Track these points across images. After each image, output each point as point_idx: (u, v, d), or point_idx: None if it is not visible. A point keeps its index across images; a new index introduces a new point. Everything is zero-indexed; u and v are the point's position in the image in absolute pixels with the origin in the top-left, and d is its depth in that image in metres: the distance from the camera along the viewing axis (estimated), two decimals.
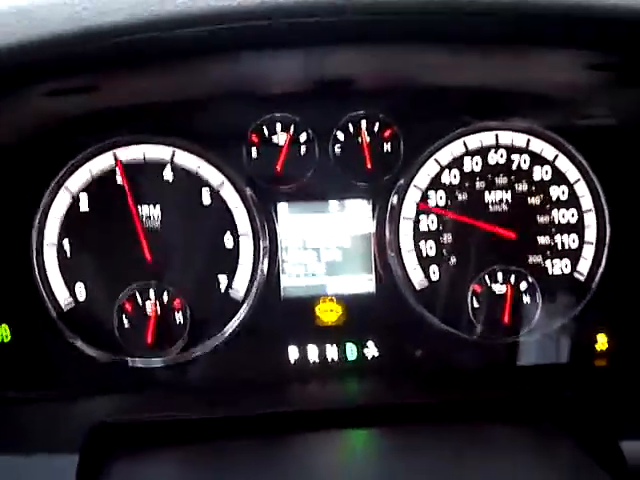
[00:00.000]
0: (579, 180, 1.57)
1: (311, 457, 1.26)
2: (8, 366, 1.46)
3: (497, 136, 1.56)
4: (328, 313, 1.55)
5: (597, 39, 1.17)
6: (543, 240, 1.57)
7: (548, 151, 1.57)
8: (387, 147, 1.54)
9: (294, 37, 1.11)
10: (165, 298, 1.49)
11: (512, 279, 1.55)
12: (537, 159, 1.57)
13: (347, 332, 1.55)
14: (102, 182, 1.49)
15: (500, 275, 1.55)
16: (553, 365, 1.56)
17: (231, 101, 1.48)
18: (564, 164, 1.57)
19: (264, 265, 1.53)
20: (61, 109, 1.37)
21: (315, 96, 1.49)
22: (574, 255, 1.58)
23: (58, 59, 1.08)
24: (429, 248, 1.56)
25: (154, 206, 1.50)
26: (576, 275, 1.58)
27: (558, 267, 1.57)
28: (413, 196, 1.56)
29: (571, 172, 1.57)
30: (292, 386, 1.49)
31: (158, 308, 1.49)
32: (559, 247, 1.57)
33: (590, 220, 1.58)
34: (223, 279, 1.52)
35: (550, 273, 1.57)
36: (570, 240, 1.58)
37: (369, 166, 1.53)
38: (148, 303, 1.49)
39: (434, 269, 1.56)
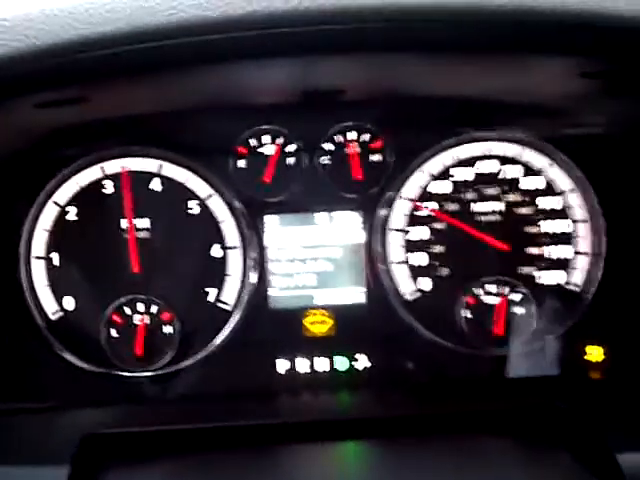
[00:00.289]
0: (572, 190, 1.55)
1: (300, 469, 1.26)
2: None
3: (488, 146, 1.55)
4: (318, 325, 1.54)
5: (591, 46, 1.14)
6: (536, 251, 1.55)
7: (540, 161, 1.55)
8: (376, 158, 1.53)
9: (281, 48, 1.10)
10: (154, 310, 1.49)
11: (504, 290, 1.53)
12: (529, 169, 1.55)
13: (337, 343, 1.54)
14: (90, 194, 1.49)
15: (492, 286, 1.53)
16: (547, 377, 1.54)
17: (218, 113, 1.48)
18: (557, 174, 1.55)
19: (253, 277, 1.53)
20: (49, 121, 1.37)
21: (303, 107, 1.49)
22: (568, 266, 1.56)
23: (48, 71, 1.07)
24: (420, 259, 1.55)
25: (142, 218, 1.50)
26: (570, 286, 1.56)
27: (552, 278, 1.55)
28: (402, 207, 1.54)
29: (564, 182, 1.55)
30: (281, 397, 1.48)
31: (147, 320, 1.49)
32: (552, 258, 1.55)
33: (584, 230, 1.55)
34: (212, 291, 1.52)
35: (543, 284, 1.55)
36: (564, 251, 1.55)
37: (358, 177, 1.52)
38: (137, 315, 1.49)
39: (425, 280, 1.55)
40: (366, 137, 1.52)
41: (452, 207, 1.54)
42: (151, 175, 1.51)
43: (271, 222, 1.53)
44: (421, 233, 1.54)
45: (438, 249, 1.54)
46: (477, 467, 1.20)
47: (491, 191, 1.54)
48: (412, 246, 1.55)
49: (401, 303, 1.54)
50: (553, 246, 1.55)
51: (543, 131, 1.54)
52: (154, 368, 1.50)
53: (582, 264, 1.56)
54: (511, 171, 1.55)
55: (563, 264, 1.56)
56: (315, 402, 1.49)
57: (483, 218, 1.54)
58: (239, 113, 1.50)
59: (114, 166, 1.50)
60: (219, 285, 1.52)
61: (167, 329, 1.50)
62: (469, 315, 1.53)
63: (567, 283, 1.56)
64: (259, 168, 1.51)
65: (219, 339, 1.52)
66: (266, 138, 1.51)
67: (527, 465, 1.22)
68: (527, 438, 1.28)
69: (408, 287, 1.55)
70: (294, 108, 1.49)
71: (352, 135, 1.52)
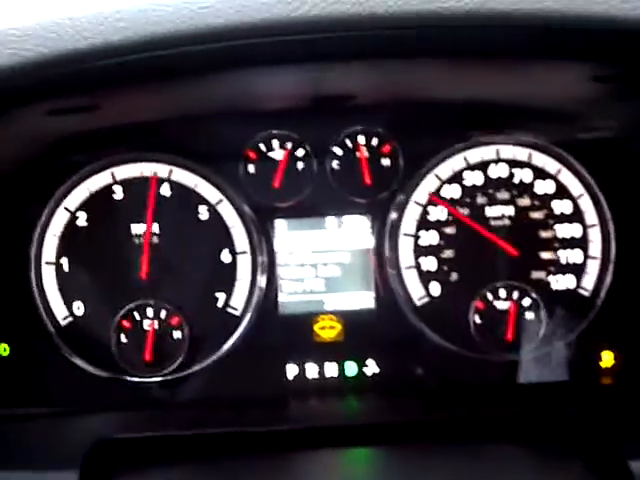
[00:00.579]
0: (583, 194, 1.54)
1: (310, 475, 1.27)
2: (6, 382, 1.47)
3: (498, 150, 1.54)
4: (327, 330, 1.54)
5: (602, 50, 1.14)
6: (546, 255, 1.54)
7: (551, 165, 1.54)
8: (386, 162, 1.52)
9: (294, 55, 1.10)
10: (163, 315, 1.49)
11: (515, 295, 1.52)
12: (540, 173, 1.54)
13: (347, 349, 1.54)
14: (100, 200, 1.50)
15: (503, 291, 1.52)
16: (557, 382, 1.53)
17: (228, 118, 1.48)
18: (567, 178, 1.54)
19: (262, 282, 1.52)
20: (60, 128, 1.38)
21: (313, 112, 1.48)
22: (578, 271, 1.55)
23: (59, 79, 1.08)
24: (430, 264, 1.54)
25: (152, 223, 1.50)
26: (581, 291, 1.55)
27: (562, 283, 1.54)
28: (413, 212, 1.54)
29: (575, 186, 1.54)
30: (291, 403, 1.48)
31: (156, 325, 1.49)
32: (563, 262, 1.54)
33: (594, 235, 1.54)
34: (221, 296, 1.52)
35: (554, 289, 1.54)
36: (574, 255, 1.54)
37: (368, 182, 1.52)
38: (146, 320, 1.49)
39: (435, 285, 1.54)
40: (376, 141, 1.52)
41: (463, 211, 1.53)
42: (161, 181, 1.51)
43: (281, 227, 1.53)
44: (431, 238, 1.54)
45: (448, 254, 1.54)
46: (487, 473, 1.20)
47: (501, 195, 1.53)
48: (422, 251, 1.54)
49: (411, 308, 1.54)
50: (563, 251, 1.54)
51: (554, 135, 1.53)
52: (163, 373, 1.50)
53: (592, 269, 1.55)
54: (521, 175, 1.54)
55: (573, 269, 1.55)
56: (324, 408, 1.49)
57: (493, 223, 1.53)
58: (249, 118, 1.50)
59: (124, 171, 1.50)
60: (228, 290, 1.52)
61: (176, 334, 1.49)
62: (479, 320, 1.52)
63: (577, 288, 1.55)
64: (269, 173, 1.51)
65: (228, 344, 1.52)
66: (276, 143, 1.51)
67: (538, 472, 1.22)
68: (538, 444, 1.27)
69: (418, 292, 1.54)
70: (304, 113, 1.48)
71: (362, 139, 1.52)
